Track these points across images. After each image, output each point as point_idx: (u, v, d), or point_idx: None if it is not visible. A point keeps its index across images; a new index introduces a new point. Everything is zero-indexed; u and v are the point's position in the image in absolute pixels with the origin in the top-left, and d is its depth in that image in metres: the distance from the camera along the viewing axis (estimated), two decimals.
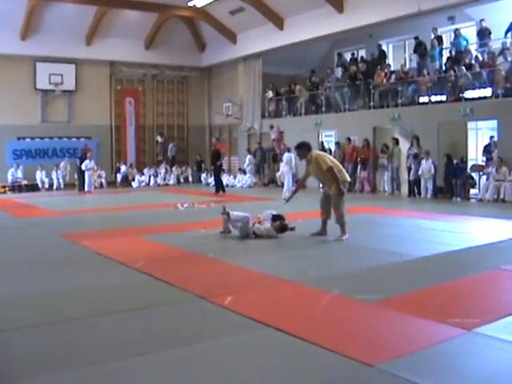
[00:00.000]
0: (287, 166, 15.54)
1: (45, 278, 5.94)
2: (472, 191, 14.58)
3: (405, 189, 15.95)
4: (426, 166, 14.66)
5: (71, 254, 7.35)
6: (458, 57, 15.47)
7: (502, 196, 13.36)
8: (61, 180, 21.03)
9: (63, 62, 21.69)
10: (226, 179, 20.51)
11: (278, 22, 19.74)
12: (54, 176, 21.01)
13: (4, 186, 20.14)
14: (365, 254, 7.08)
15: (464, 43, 15.84)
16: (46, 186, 20.84)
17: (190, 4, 19.56)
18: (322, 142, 19.02)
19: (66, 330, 4.17)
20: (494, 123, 14.60)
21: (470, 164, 15.15)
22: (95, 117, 22.63)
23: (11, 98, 20.91)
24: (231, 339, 3.93)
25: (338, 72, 20.17)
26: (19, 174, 20.68)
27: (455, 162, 14.44)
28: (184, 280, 5.61)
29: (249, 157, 21.18)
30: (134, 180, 22.27)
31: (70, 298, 5.06)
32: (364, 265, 6.34)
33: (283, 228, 8.31)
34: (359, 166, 17.06)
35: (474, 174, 14.59)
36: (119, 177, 22.55)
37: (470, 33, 16.51)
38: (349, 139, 17.46)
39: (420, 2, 14.59)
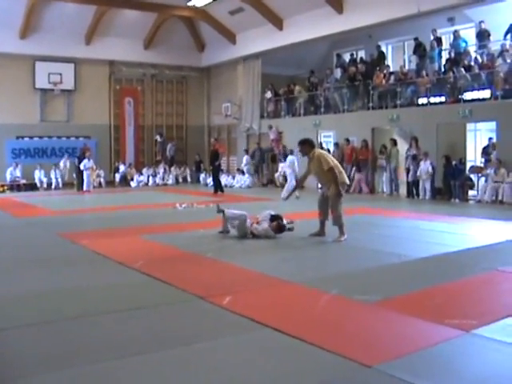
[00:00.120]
0: (290, 169, 15.56)
1: (44, 277, 5.94)
2: (470, 192, 14.59)
3: (403, 190, 15.97)
4: (425, 167, 14.68)
5: (70, 254, 7.35)
6: (458, 58, 15.48)
7: (500, 197, 13.38)
8: (59, 179, 21.02)
9: (62, 62, 21.68)
10: (224, 179, 20.52)
11: (278, 23, 19.75)
12: (52, 175, 21.01)
13: (3, 185, 20.12)
14: (363, 254, 7.09)
15: (463, 45, 15.85)
16: (45, 185, 20.84)
17: (190, 4, 19.55)
18: (321, 143, 18.99)
19: (65, 329, 4.17)
20: (492, 125, 14.61)
21: (468, 165, 15.15)
22: (94, 116, 22.63)
23: (10, 96, 20.91)
24: (230, 339, 3.93)
25: (337, 73, 20.17)
26: (18, 173, 20.68)
27: (454, 163, 14.45)
28: (183, 280, 5.61)
29: (246, 157, 21.19)
30: (132, 180, 22.27)
31: (69, 298, 5.06)
32: (362, 265, 6.35)
33: (281, 228, 8.32)
34: (354, 168, 17.07)
35: (472, 176, 14.61)
36: (118, 176, 22.55)
37: (469, 34, 16.50)
38: (347, 140, 17.48)
39: (419, 3, 14.60)
